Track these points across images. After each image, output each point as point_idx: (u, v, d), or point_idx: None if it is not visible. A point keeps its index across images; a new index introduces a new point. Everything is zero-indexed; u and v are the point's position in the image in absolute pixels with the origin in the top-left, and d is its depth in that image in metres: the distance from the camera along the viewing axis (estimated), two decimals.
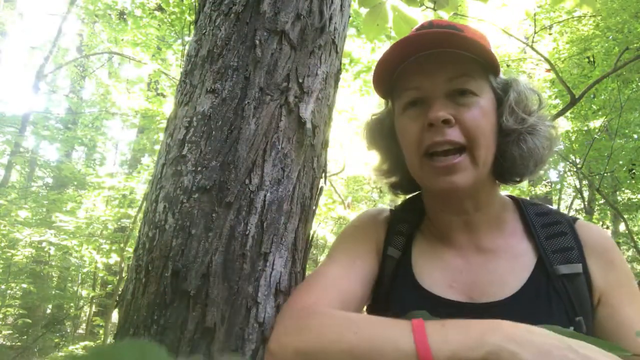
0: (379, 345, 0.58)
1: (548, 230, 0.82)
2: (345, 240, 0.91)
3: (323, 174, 1.07)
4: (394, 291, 0.84)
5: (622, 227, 8.14)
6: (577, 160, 6.12)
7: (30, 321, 8.02)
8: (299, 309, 0.73)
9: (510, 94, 0.81)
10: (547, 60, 3.61)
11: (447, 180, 0.76)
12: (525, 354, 0.50)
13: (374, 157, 0.97)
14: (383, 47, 5.30)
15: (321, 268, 0.85)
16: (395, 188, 0.96)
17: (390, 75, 0.83)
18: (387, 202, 10.59)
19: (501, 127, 0.80)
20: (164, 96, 6.57)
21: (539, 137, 0.80)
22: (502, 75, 0.83)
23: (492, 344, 0.52)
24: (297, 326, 0.68)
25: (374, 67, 0.84)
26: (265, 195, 0.89)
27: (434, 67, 0.78)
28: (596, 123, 6.47)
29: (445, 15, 2.02)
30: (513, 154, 0.80)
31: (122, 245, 5.64)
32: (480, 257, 0.82)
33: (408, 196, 0.99)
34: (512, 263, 0.80)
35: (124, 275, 5.22)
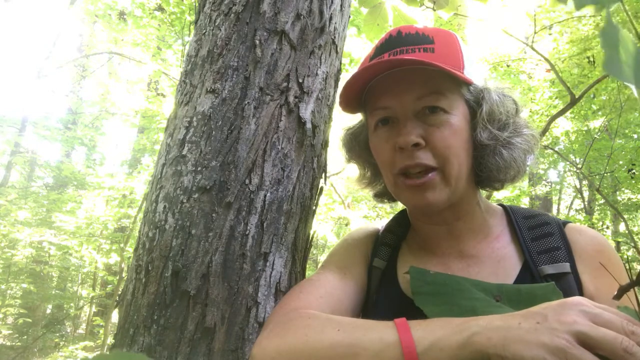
0: (362, 339, 0.59)
1: (534, 232, 0.81)
2: (336, 254, 0.92)
3: (323, 174, 1.07)
4: (379, 301, 0.84)
5: (622, 227, 8.15)
6: (577, 160, 6.13)
7: (30, 321, 8.02)
8: (284, 313, 0.73)
9: (483, 107, 0.78)
10: (547, 60, 3.61)
11: (420, 197, 0.77)
12: (512, 330, 0.50)
13: (355, 169, 0.97)
14: None
15: (312, 276, 0.86)
16: (380, 196, 0.96)
17: (359, 94, 0.82)
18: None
19: (475, 141, 0.79)
20: (164, 96, 6.56)
21: (515, 150, 0.79)
22: (476, 83, 0.79)
23: (476, 326, 0.53)
24: (280, 328, 0.68)
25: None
26: (265, 195, 0.89)
27: (402, 85, 0.77)
28: (596, 123, 6.47)
29: (445, 15, 2.02)
30: (489, 166, 0.79)
31: (122, 245, 5.64)
32: (461, 263, 0.82)
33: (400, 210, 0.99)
34: (495, 267, 0.79)
35: (124, 275, 5.22)
